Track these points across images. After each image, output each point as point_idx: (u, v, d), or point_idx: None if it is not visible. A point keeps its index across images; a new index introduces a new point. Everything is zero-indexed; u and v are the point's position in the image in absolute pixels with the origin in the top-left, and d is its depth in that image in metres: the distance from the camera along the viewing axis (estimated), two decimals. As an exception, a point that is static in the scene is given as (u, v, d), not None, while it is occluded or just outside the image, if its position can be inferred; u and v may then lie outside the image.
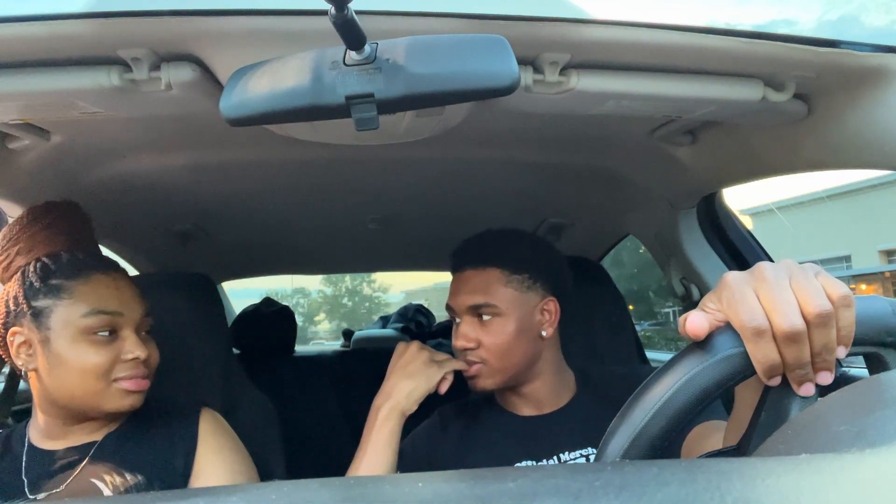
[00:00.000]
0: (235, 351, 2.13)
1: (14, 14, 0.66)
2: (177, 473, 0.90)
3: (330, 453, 2.18)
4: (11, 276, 0.90)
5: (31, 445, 0.90)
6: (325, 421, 2.20)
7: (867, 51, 0.76)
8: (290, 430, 1.40)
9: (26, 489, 0.86)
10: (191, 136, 1.07)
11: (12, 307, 0.87)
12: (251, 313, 2.31)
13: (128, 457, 0.89)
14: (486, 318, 0.98)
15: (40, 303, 0.86)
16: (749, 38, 0.74)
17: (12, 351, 0.87)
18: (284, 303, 2.42)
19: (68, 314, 0.85)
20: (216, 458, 0.93)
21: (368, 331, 2.80)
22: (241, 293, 3.53)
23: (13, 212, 1.10)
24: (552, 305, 1.02)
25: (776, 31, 0.75)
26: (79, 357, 0.85)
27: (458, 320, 1.02)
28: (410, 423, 1.04)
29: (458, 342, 0.99)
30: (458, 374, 1.01)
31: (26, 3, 0.67)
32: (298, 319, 2.58)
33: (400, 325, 2.78)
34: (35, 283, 0.87)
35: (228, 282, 2.59)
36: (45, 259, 0.89)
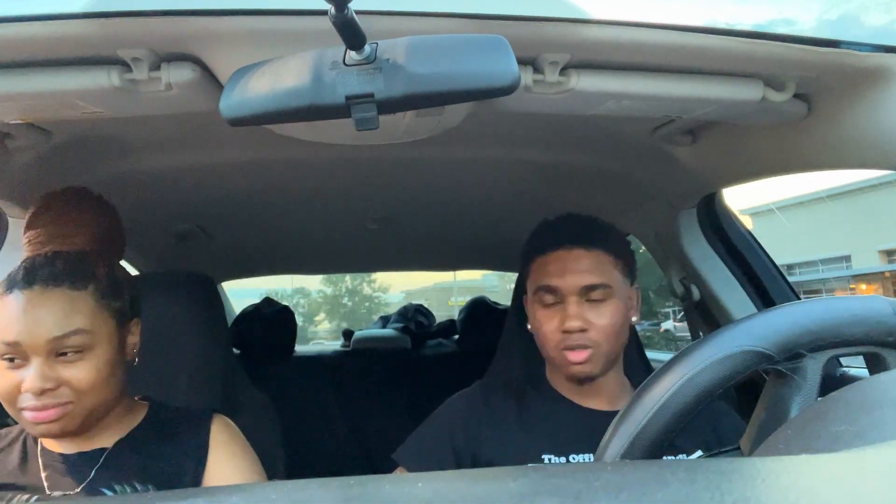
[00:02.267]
0: (235, 351, 2.14)
1: (14, 14, 0.66)
2: (186, 483, 0.88)
3: (330, 453, 2.19)
4: None
5: (42, 447, 0.88)
6: (325, 421, 2.20)
7: (867, 51, 0.76)
8: (290, 430, 1.40)
9: (46, 489, 0.85)
10: (191, 136, 1.07)
11: None
12: (251, 313, 2.31)
13: (138, 466, 0.87)
14: (597, 299, 0.95)
15: None
16: (749, 38, 0.74)
17: None
18: (284, 303, 2.42)
19: None
20: (226, 468, 0.91)
21: (368, 331, 2.80)
22: (241, 293, 3.53)
23: (13, 212, 1.10)
24: (635, 294, 1.02)
25: (776, 31, 0.75)
26: None
27: (556, 302, 0.96)
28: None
29: (574, 322, 0.93)
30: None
31: (26, 3, 0.67)
32: (298, 319, 2.58)
33: (400, 325, 2.78)
34: None
35: (228, 282, 2.59)
36: (20, 264, 0.85)
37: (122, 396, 0.91)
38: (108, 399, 0.86)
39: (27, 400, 0.78)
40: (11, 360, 0.79)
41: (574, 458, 0.95)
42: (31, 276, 0.81)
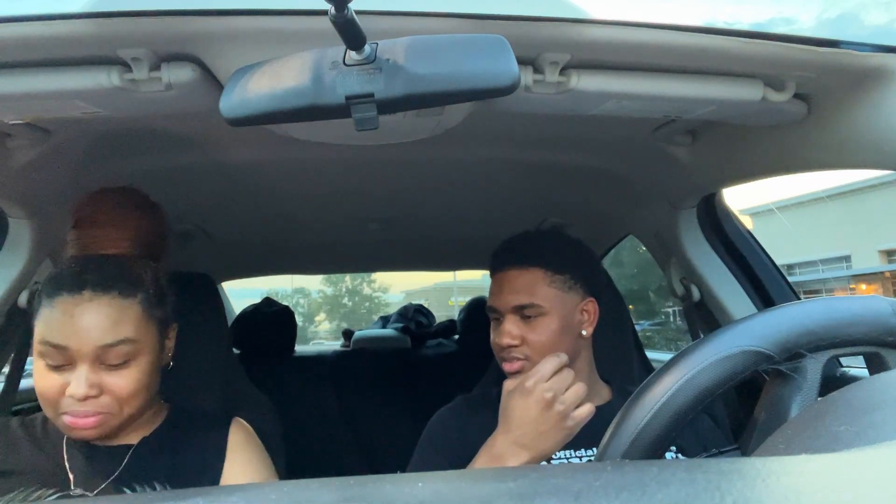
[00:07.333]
0: (235, 351, 2.13)
1: (14, 14, 0.66)
2: (206, 484, 0.88)
3: (330, 453, 2.18)
4: None
5: (68, 437, 0.87)
6: (325, 421, 2.19)
7: (867, 51, 0.76)
8: (290, 430, 1.40)
9: (71, 482, 0.84)
10: (191, 136, 1.07)
11: None
12: (251, 313, 2.31)
13: (160, 467, 0.88)
14: (530, 317, 1.00)
15: (38, 311, 0.83)
16: (749, 38, 0.74)
17: None
18: (284, 303, 2.42)
19: (36, 333, 0.81)
20: (241, 473, 0.91)
21: (368, 331, 2.80)
22: (241, 293, 3.54)
23: (13, 212, 1.10)
24: (591, 306, 1.04)
25: (776, 30, 0.75)
26: (36, 377, 0.81)
27: (500, 318, 1.03)
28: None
29: (504, 339, 1.00)
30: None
31: (26, 3, 0.67)
32: (298, 319, 2.58)
33: (400, 325, 2.78)
34: (41, 289, 0.84)
35: (228, 282, 2.59)
36: (62, 264, 0.86)
37: (155, 398, 0.91)
38: (145, 404, 0.87)
39: (69, 405, 0.79)
40: (59, 365, 0.80)
41: (554, 457, 0.99)
42: (82, 280, 0.81)
